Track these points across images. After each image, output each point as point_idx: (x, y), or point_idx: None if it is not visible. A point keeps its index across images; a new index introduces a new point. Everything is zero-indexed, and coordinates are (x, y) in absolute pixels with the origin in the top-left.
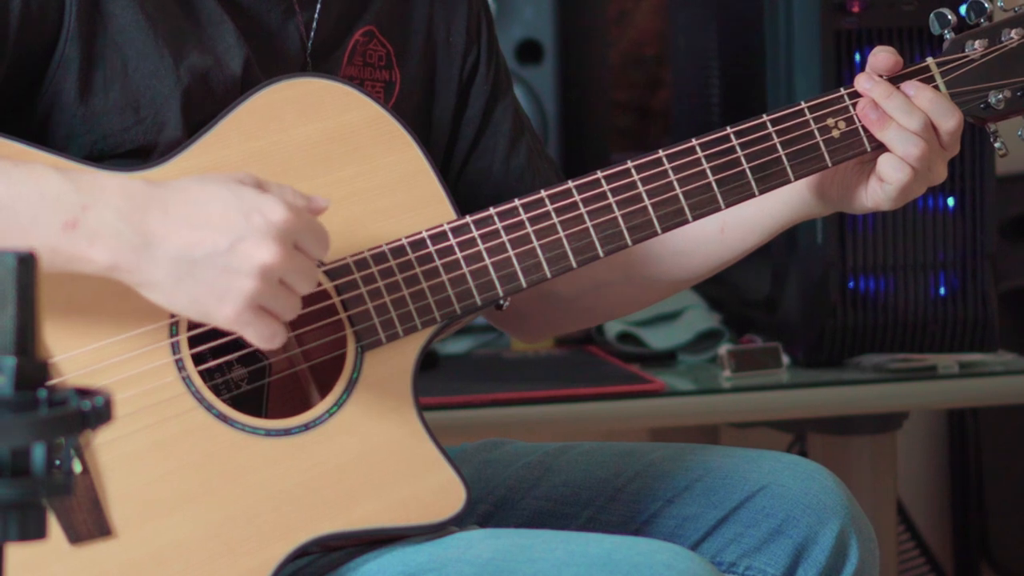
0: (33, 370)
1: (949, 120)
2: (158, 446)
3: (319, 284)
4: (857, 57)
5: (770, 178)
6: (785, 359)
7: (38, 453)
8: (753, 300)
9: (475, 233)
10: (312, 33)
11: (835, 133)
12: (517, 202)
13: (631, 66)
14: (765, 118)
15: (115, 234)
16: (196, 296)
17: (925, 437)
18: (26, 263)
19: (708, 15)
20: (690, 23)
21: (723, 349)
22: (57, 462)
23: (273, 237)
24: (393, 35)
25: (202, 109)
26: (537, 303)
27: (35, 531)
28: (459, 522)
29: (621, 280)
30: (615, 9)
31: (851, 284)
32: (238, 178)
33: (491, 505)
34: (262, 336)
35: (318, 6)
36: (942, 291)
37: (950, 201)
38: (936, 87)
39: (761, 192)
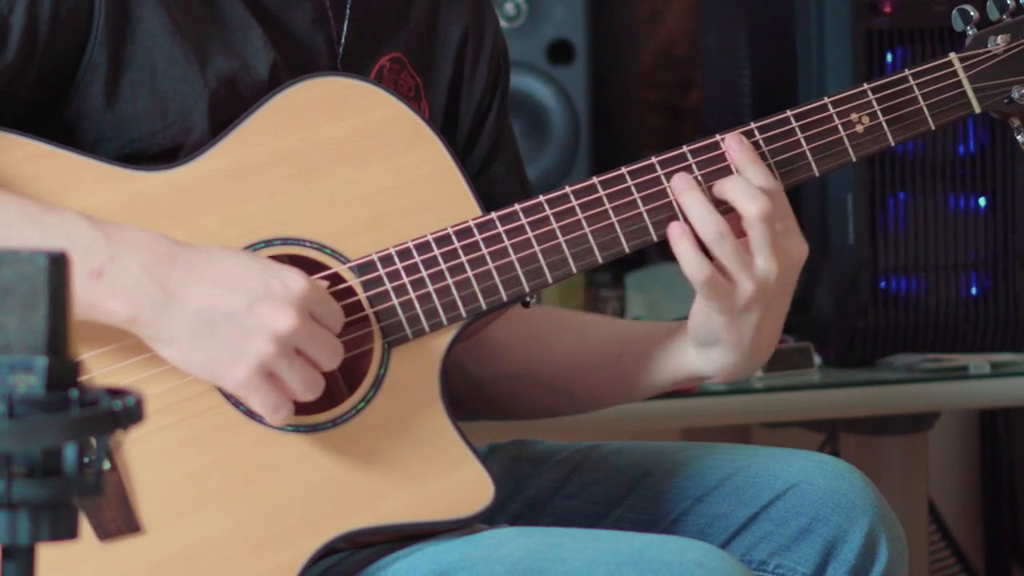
0: (64, 370)
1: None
2: (186, 443)
3: (344, 280)
4: (889, 57)
5: (794, 172)
6: (817, 359)
7: (70, 453)
8: None
9: (500, 229)
10: (341, 46)
11: (859, 128)
12: (542, 198)
13: (662, 66)
14: (788, 113)
15: (137, 286)
16: (210, 354)
17: (957, 437)
18: (57, 263)
19: (739, 15)
20: (721, 23)
21: None
22: (87, 459)
23: (291, 303)
24: (421, 67)
25: (230, 113)
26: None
27: (66, 531)
28: (488, 518)
29: (525, 375)
30: (646, 9)
31: (883, 284)
32: (255, 254)
33: (521, 504)
34: (267, 405)
35: (347, 14)
36: (974, 291)
37: (981, 201)
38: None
39: (786, 187)
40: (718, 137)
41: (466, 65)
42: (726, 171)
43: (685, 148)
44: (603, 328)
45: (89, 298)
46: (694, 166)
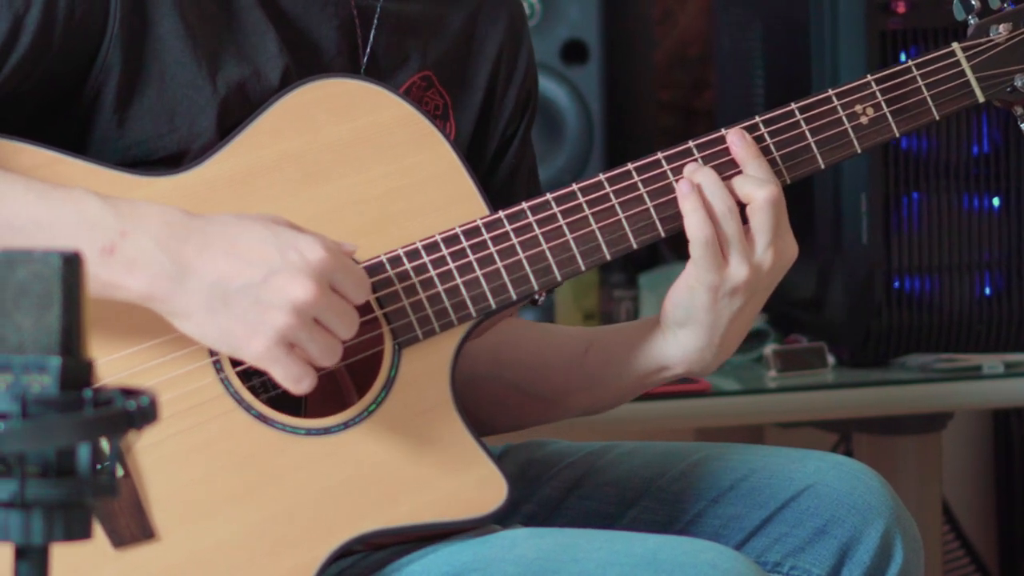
0: (78, 370)
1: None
2: (199, 448)
3: None
4: (903, 57)
5: (800, 165)
6: (830, 359)
7: (83, 453)
8: (798, 300)
9: (508, 228)
10: (366, 55)
11: (863, 120)
12: (549, 196)
13: (676, 66)
14: (793, 106)
15: (152, 261)
16: (227, 328)
17: (970, 437)
18: (71, 263)
19: (753, 15)
20: (735, 23)
21: (768, 349)
22: (102, 465)
23: (307, 274)
24: (452, 85)
25: (238, 119)
26: None
27: (80, 531)
28: (502, 519)
29: (492, 376)
30: (660, 9)
31: (896, 284)
32: (274, 218)
33: (535, 505)
34: (289, 375)
35: (374, 24)
36: (987, 291)
37: (995, 201)
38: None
39: (792, 179)
40: (723, 131)
41: (498, 87)
42: (731, 165)
43: (691, 143)
44: (571, 329)
45: (103, 275)
46: (700, 161)
